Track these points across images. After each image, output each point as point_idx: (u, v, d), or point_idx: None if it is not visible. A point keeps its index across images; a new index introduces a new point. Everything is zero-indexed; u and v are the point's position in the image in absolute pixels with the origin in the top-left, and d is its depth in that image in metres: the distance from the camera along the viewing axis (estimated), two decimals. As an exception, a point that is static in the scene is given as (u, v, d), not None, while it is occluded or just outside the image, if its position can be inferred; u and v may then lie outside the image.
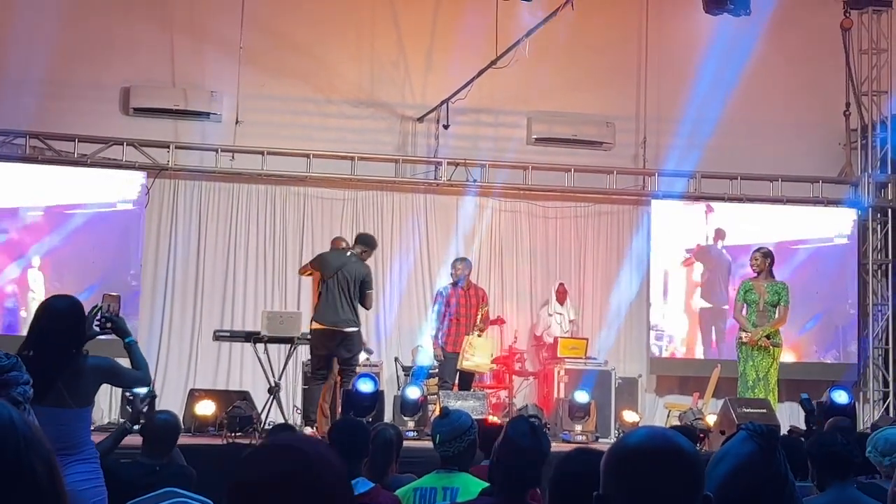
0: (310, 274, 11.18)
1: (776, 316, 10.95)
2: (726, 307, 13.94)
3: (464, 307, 11.72)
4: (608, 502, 2.03)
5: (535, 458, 3.81)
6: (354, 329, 10.64)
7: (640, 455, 2.03)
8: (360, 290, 10.63)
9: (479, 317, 11.67)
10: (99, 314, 5.07)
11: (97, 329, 5.07)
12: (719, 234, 14.60)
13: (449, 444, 5.02)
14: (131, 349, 5.13)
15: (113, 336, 5.15)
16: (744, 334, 10.93)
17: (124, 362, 5.16)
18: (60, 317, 4.89)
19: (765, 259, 11.10)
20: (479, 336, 11.64)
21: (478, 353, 11.52)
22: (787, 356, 11.93)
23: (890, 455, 5.35)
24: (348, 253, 10.91)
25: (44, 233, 13.07)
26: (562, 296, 13.98)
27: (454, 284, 11.88)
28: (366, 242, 11.11)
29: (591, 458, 3.19)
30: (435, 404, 11.08)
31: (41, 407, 4.47)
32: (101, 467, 4.93)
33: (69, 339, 4.85)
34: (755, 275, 11.13)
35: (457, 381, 11.76)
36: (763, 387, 10.74)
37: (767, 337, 10.81)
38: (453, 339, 11.63)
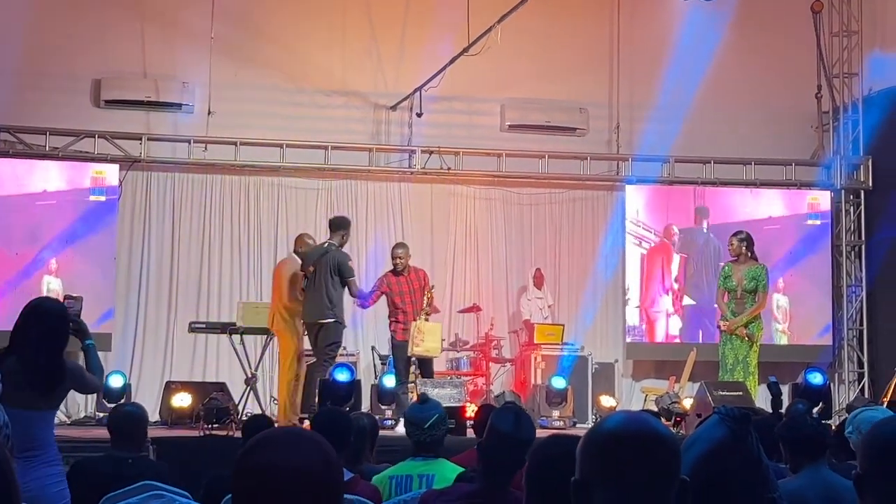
0: (306, 276, 10.79)
1: (755, 301, 10.97)
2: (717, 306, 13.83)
3: (408, 294, 11.27)
4: (586, 487, 2.02)
5: (519, 446, 3.85)
6: (329, 320, 10.57)
7: (616, 439, 2.02)
8: (341, 280, 10.59)
9: (424, 300, 11.18)
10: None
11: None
12: (702, 213, 14.49)
13: (427, 431, 5.03)
14: (89, 352, 5.07)
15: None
16: (722, 323, 10.99)
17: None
18: (49, 318, 4.80)
19: (741, 244, 11.09)
20: (427, 320, 11.17)
21: (427, 338, 11.06)
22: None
23: None
24: (325, 244, 10.85)
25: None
26: (539, 280, 14.00)
27: (394, 272, 11.33)
28: (339, 226, 10.98)
29: (567, 443, 3.19)
30: (412, 393, 11.02)
31: (12, 409, 4.42)
32: (74, 463, 4.91)
33: (56, 341, 4.79)
34: (735, 258, 11.15)
35: (417, 370, 11.49)
36: (742, 370, 10.79)
37: (745, 326, 10.85)
38: (402, 328, 11.21)
